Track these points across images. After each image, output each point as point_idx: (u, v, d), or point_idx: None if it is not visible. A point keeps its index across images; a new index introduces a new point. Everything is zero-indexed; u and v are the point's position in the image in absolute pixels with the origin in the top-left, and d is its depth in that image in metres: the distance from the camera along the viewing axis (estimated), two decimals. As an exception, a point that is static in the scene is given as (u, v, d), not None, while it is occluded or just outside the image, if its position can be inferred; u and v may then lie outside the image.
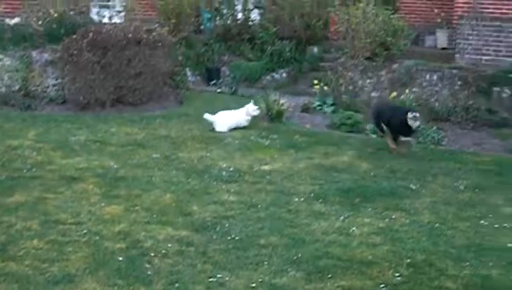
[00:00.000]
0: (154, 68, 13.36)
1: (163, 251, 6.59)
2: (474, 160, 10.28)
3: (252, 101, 11.93)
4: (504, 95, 13.05)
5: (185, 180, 8.80)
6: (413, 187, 8.85)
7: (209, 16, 17.50)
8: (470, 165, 9.99)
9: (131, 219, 7.41)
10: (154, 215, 7.52)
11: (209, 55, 16.50)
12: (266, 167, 9.53)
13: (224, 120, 11.59)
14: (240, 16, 17.14)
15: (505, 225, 7.65)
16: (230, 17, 17.01)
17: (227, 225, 7.30)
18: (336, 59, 14.79)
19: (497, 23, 14.02)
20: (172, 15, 16.16)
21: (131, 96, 13.10)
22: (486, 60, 13.90)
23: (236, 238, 6.95)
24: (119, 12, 16.06)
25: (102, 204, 7.84)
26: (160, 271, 6.19)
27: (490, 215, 7.91)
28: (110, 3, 16.67)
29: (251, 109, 11.74)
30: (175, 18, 16.16)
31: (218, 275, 6.13)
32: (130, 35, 13.03)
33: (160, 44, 13.51)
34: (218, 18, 17.21)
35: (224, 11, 17.13)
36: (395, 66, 13.94)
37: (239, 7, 17.26)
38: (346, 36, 14.49)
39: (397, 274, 6.23)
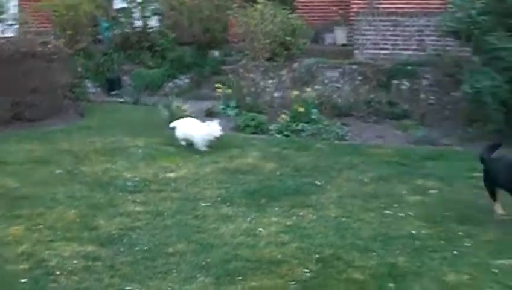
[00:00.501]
0: (52, 81, 13.02)
1: (69, 268, 6.38)
2: (377, 152, 10.48)
3: (217, 120, 11.09)
4: (403, 87, 13.39)
5: (89, 194, 8.57)
6: (319, 183, 8.93)
7: (106, 25, 17.22)
8: (374, 157, 10.18)
9: (34, 238, 7.14)
10: (59, 233, 7.27)
11: (109, 65, 16.26)
12: (171, 175, 9.41)
13: (183, 127, 10.89)
14: (138, 23, 16.93)
15: (410, 213, 7.81)
16: (128, 26, 16.79)
17: (134, 236, 7.14)
18: (237, 61, 14.82)
19: (393, 17, 14.38)
20: (68, 26, 15.84)
21: (29, 112, 12.70)
22: (384, 54, 14.23)
23: (144, 248, 6.81)
24: (12, 25, 15.55)
25: (3, 226, 7.52)
26: (67, 289, 5.99)
27: (395, 205, 8.06)
28: (1, 16, 16.13)
29: (212, 130, 10.62)
30: (71, 29, 15.85)
31: (127, 288, 5.98)
32: (24, 49, 12.65)
33: (56, 56, 13.18)
34: (116, 27, 16.96)
35: (122, 20, 16.90)
36: (295, 65, 14.07)
37: (137, 15, 17.03)
38: (245, 38, 14.53)
39: (306, 270, 6.25)
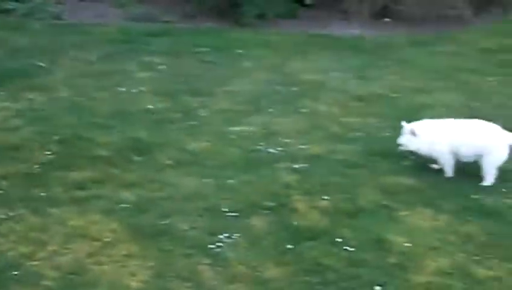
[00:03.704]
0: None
1: None
2: (99, 31, 10.15)
3: None
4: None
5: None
6: (44, 64, 8.46)
7: None
8: (97, 36, 9.87)
9: None
10: None
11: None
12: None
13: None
14: None
15: (142, 88, 7.80)
16: None
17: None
18: None
19: None
20: None
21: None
22: None
23: None
24: None
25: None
26: None
27: (127, 82, 7.99)
28: None
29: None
30: None
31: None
32: None
33: None
34: None
35: None
36: None
37: None
38: None
39: (49, 152, 6.02)
